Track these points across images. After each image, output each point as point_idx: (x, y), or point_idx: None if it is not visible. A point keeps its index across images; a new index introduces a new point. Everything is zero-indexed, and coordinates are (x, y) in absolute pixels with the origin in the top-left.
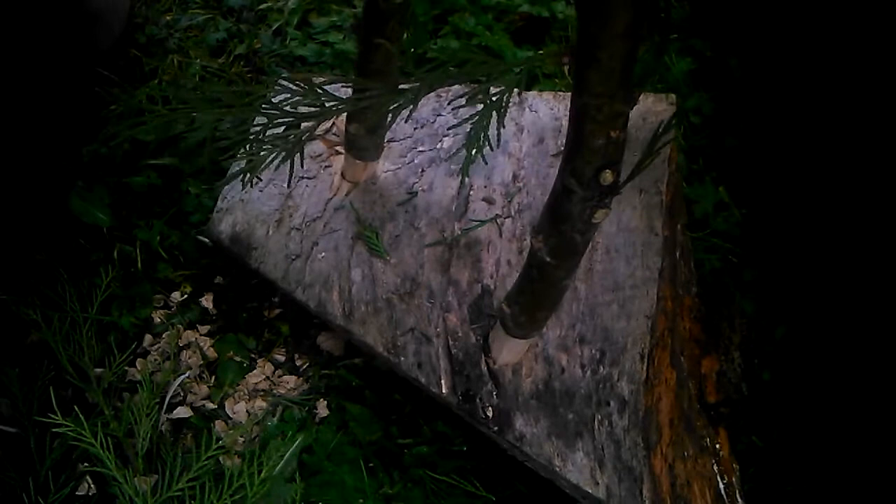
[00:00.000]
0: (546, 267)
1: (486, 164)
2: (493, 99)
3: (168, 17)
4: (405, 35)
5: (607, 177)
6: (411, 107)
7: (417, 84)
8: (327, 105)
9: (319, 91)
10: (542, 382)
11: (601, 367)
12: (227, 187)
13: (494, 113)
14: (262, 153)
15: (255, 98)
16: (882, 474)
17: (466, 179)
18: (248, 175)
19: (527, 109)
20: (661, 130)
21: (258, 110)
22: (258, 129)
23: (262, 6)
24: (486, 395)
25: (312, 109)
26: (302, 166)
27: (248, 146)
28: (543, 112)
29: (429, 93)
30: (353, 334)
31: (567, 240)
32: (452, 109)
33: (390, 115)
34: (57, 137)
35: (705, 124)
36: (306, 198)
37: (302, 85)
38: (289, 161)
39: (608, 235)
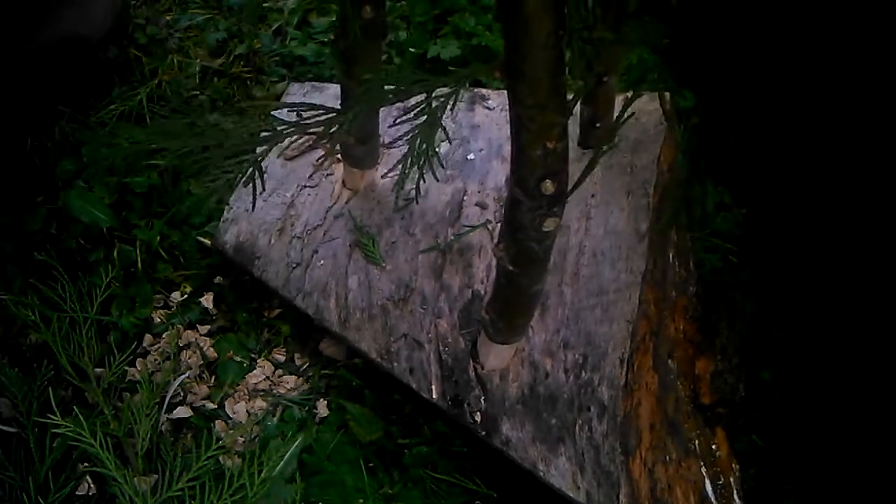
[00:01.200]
0: (511, 275)
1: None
2: (431, 111)
3: (168, 17)
4: (407, 36)
5: (548, 187)
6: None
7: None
8: (279, 129)
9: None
10: (527, 387)
11: (583, 372)
12: (232, 198)
13: (435, 124)
14: (221, 177)
15: (207, 129)
16: (883, 474)
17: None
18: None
19: None
20: (616, 125)
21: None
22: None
23: (263, 6)
24: (473, 399)
25: (266, 134)
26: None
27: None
28: None
29: (366, 109)
30: (349, 341)
31: (524, 248)
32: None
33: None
34: (53, 132)
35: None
36: (308, 206)
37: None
38: (286, 175)
39: (595, 239)
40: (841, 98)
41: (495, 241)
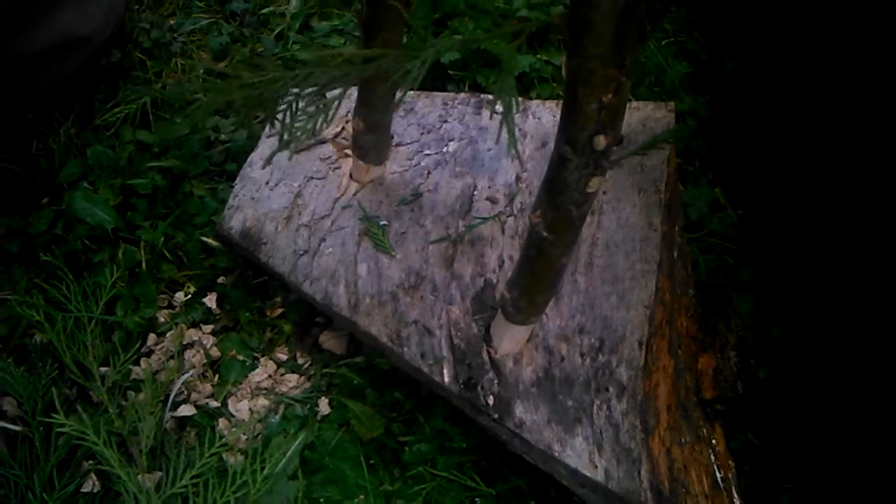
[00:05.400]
0: (544, 243)
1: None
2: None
3: (172, 21)
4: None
5: (601, 141)
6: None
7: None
8: (344, 71)
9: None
10: (542, 371)
11: (600, 355)
12: (238, 185)
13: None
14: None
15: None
16: (879, 473)
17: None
18: (285, 140)
19: (530, 116)
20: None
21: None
22: (290, 99)
23: (265, 10)
24: (487, 383)
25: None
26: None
27: (281, 116)
28: (546, 118)
29: (436, 59)
30: (358, 326)
31: (564, 212)
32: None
33: (390, 113)
34: (58, 134)
35: (701, 126)
36: (315, 197)
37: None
38: (292, 167)
39: (608, 231)
40: (836, 101)
41: (509, 233)
